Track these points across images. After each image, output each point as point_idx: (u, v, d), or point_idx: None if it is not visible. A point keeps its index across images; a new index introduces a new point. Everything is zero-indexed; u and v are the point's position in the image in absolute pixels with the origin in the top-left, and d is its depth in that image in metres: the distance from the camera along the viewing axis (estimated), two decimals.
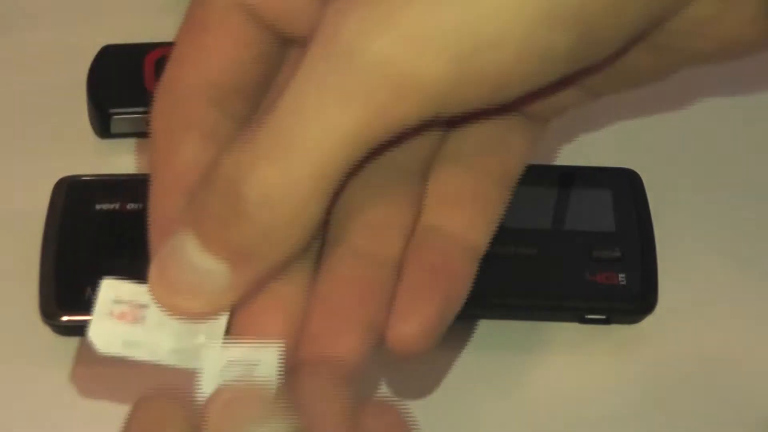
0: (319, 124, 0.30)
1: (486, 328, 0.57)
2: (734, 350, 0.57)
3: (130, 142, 0.62)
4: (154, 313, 0.36)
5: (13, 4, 0.68)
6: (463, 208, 0.38)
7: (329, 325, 0.36)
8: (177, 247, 0.33)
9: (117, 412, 0.55)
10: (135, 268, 0.56)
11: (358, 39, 0.30)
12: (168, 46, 0.63)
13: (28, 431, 0.54)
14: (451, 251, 0.38)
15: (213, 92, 0.35)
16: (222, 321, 0.36)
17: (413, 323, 0.37)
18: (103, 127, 0.62)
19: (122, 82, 0.63)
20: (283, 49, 0.36)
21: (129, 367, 0.55)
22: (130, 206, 0.58)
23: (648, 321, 0.57)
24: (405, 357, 0.37)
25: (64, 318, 0.55)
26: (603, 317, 0.57)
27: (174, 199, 0.35)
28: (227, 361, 0.36)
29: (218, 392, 0.34)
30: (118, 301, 0.37)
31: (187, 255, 0.33)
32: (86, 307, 0.54)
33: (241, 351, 0.36)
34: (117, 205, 0.58)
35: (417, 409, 0.55)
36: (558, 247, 0.57)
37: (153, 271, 0.35)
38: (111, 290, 0.37)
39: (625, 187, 0.60)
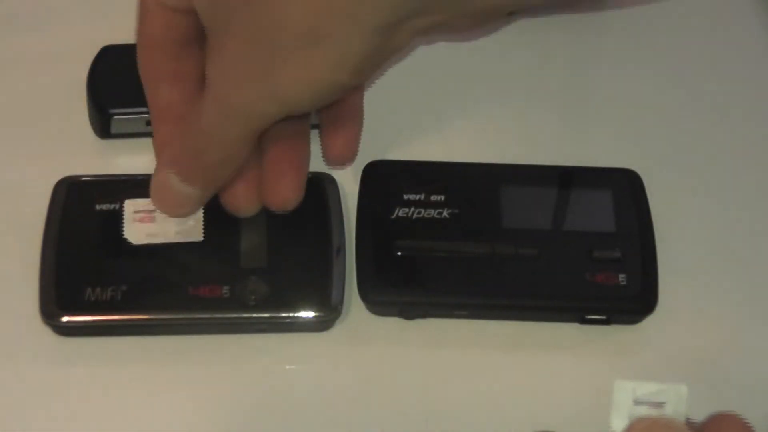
0: (220, 135, 0.52)
1: (486, 328, 0.57)
2: (734, 350, 0.57)
3: (130, 142, 0.62)
4: (159, 213, 0.56)
5: (13, 4, 0.68)
6: None
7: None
8: (165, 180, 0.54)
9: (117, 412, 0.55)
10: (135, 268, 0.57)
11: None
12: None
13: (28, 431, 0.54)
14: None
15: (168, 49, 0.54)
16: (200, 214, 0.57)
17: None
18: (103, 127, 0.62)
19: (122, 82, 0.63)
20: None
21: (128, 366, 0.56)
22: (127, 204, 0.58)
23: (648, 321, 0.57)
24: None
25: (64, 318, 0.55)
26: (603, 317, 0.57)
27: (163, 128, 0.55)
28: (635, 399, 0.42)
29: (637, 421, 0.41)
30: (137, 212, 0.57)
31: (173, 186, 0.53)
32: (86, 307, 0.55)
33: (649, 390, 0.42)
34: (117, 205, 0.58)
35: (417, 407, 0.55)
36: (558, 247, 0.57)
37: (153, 194, 0.55)
38: (131, 206, 0.57)
39: (625, 187, 0.60)
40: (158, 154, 0.55)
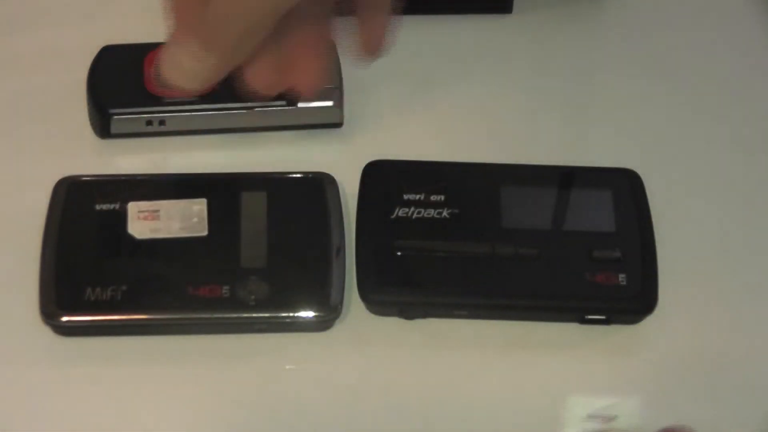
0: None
1: (486, 328, 0.57)
2: (734, 350, 0.57)
3: (130, 142, 0.62)
4: (164, 212, 0.57)
5: (13, 4, 0.68)
6: None
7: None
8: (182, 48, 0.49)
9: (117, 412, 0.55)
10: (135, 268, 0.57)
11: None
12: None
13: (28, 431, 0.54)
14: None
15: None
16: (204, 212, 0.58)
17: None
18: (103, 127, 0.62)
19: (122, 82, 0.63)
20: None
21: (128, 366, 0.56)
22: (131, 206, 0.58)
23: (648, 321, 0.57)
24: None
25: (64, 318, 0.55)
26: (603, 317, 0.57)
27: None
28: (588, 414, 0.44)
29: None
30: (141, 211, 0.57)
31: (189, 54, 0.49)
32: (86, 307, 0.55)
33: (601, 405, 0.45)
34: (117, 205, 0.58)
35: (417, 407, 0.55)
36: (558, 247, 0.57)
37: (165, 63, 0.50)
38: (135, 207, 0.58)
39: (625, 187, 0.60)
40: (175, 23, 0.52)
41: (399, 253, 0.57)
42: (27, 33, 0.67)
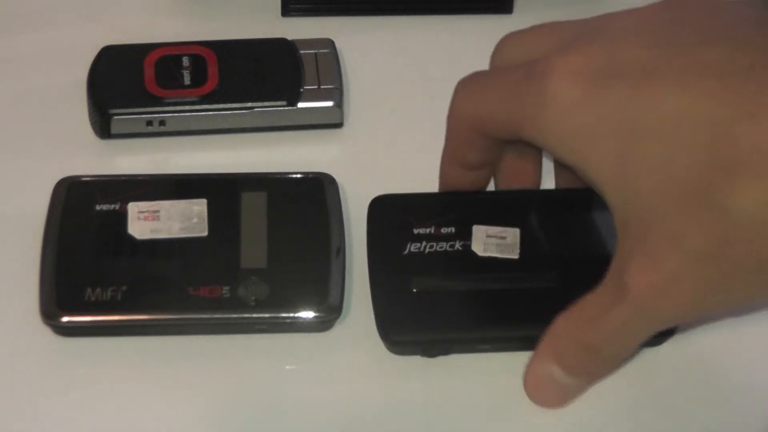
0: (627, 338, 0.51)
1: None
2: (734, 350, 0.57)
3: (130, 143, 0.62)
4: (164, 212, 0.58)
5: (13, 4, 0.68)
6: None
7: None
8: (548, 372, 0.52)
9: (117, 412, 0.55)
10: (135, 268, 0.57)
11: (644, 299, 0.48)
12: (168, 46, 0.64)
13: (28, 431, 0.54)
14: None
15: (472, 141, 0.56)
16: (204, 213, 0.58)
17: None
18: (103, 128, 0.62)
19: (122, 83, 0.63)
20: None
21: (128, 366, 0.56)
22: (131, 206, 0.58)
23: None
24: None
25: (64, 318, 0.55)
26: None
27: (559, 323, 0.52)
28: (487, 234, 0.56)
29: None
30: (141, 212, 0.57)
31: (557, 378, 0.52)
32: (86, 307, 0.55)
33: (495, 231, 0.56)
34: (117, 205, 0.58)
35: (419, 407, 0.55)
36: (578, 272, 0.55)
37: (532, 384, 0.53)
38: (135, 207, 0.58)
39: None
40: (540, 343, 0.53)
41: (415, 290, 0.55)
42: (27, 33, 0.67)
